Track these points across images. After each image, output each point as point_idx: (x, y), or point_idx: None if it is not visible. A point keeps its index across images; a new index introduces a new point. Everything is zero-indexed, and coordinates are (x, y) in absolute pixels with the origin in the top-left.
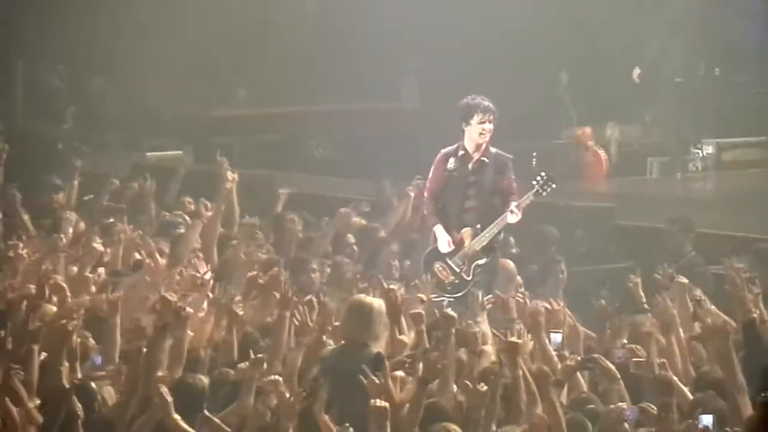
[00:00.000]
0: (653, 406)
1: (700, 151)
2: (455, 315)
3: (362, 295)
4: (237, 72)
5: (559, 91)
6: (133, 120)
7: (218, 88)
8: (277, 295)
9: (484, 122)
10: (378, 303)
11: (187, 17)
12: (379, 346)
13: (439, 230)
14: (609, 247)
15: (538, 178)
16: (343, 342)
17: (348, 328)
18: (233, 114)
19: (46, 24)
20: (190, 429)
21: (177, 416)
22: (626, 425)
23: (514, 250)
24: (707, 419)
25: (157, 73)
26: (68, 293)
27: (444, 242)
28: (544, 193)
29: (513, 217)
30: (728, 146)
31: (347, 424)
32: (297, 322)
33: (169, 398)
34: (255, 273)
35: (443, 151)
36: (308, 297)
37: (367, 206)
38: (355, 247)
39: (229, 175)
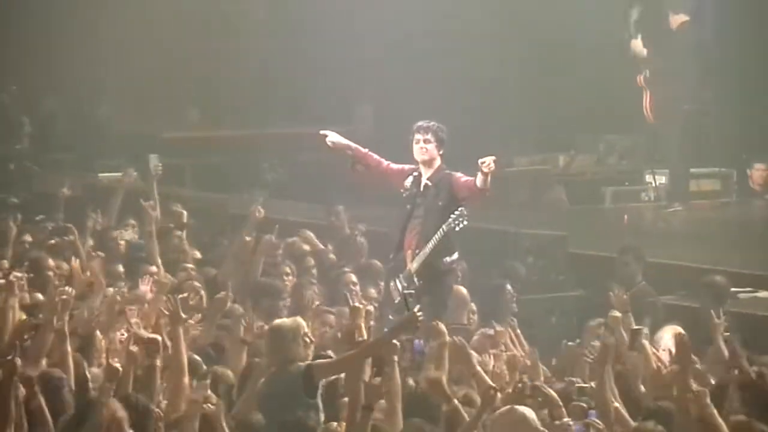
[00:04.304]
0: (599, 422)
1: (653, 181)
2: (398, 343)
3: (277, 320)
4: (189, 94)
5: (510, 118)
6: (85, 140)
7: (171, 109)
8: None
9: (419, 141)
10: (290, 321)
11: (142, 39)
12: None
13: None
14: (561, 276)
15: (456, 212)
16: (273, 369)
17: (270, 354)
18: (185, 136)
19: None
20: None
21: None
22: None
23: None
24: None
25: (109, 93)
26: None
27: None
28: (457, 228)
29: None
30: None
31: None
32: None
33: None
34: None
35: (410, 166)
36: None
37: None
38: (314, 271)
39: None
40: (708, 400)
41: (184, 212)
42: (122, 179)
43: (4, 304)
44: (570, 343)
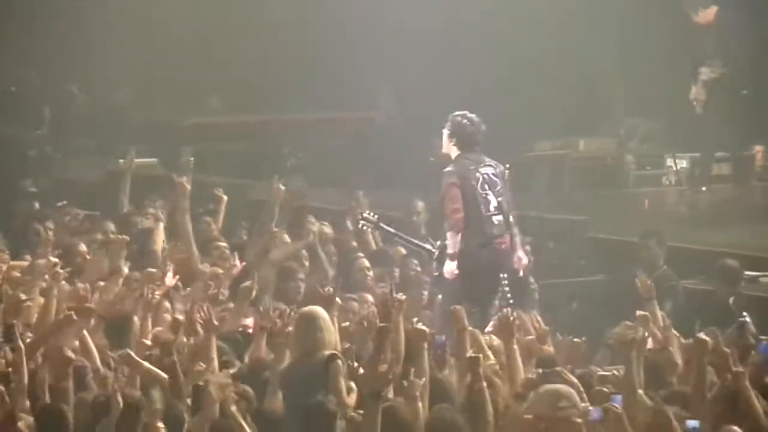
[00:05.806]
0: (617, 407)
1: (674, 165)
2: (426, 329)
3: (308, 307)
4: (210, 80)
5: (531, 103)
6: (106, 127)
7: (191, 95)
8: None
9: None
10: (320, 309)
11: (161, 25)
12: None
13: None
14: (582, 261)
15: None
16: (297, 355)
17: (298, 341)
18: (206, 121)
19: (17, 30)
20: None
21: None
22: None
23: None
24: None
25: (130, 79)
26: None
27: None
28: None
29: None
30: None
31: None
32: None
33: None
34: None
35: None
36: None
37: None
38: (333, 258)
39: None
40: (747, 382)
41: (224, 197)
42: (127, 163)
43: (48, 293)
44: (560, 338)
